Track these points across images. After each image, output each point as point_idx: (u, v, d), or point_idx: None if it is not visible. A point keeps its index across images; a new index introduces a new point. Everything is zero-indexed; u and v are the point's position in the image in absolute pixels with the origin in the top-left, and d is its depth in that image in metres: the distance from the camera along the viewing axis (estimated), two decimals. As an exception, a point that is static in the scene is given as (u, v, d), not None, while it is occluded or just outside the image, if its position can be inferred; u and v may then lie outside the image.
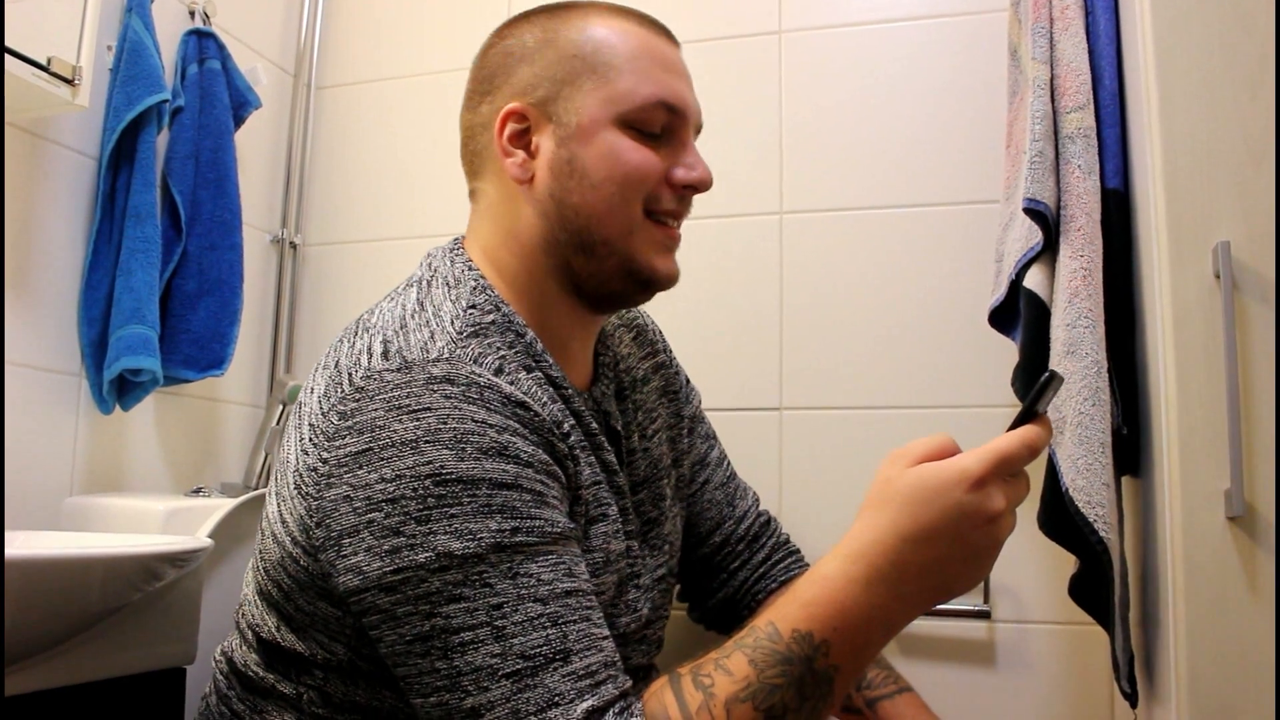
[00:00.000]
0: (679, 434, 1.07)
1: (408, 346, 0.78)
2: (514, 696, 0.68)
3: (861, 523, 0.70)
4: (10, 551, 0.78)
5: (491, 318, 0.83)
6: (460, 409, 0.73)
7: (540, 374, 0.84)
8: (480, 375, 0.76)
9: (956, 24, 1.46)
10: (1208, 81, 0.91)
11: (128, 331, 1.30)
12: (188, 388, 1.50)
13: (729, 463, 1.17)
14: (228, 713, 0.87)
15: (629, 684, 0.73)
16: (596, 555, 0.83)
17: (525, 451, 0.74)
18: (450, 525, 0.70)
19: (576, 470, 0.82)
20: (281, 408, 1.45)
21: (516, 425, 0.75)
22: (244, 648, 0.89)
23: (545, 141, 0.86)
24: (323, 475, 0.75)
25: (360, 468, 0.73)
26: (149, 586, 0.96)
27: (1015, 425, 0.69)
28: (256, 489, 1.43)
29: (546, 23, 0.89)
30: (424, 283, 0.87)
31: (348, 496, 0.73)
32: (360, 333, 0.82)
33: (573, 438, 0.83)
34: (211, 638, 1.03)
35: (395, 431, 0.72)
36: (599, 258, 0.86)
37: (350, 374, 0.77)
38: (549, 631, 0.70)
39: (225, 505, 1.26)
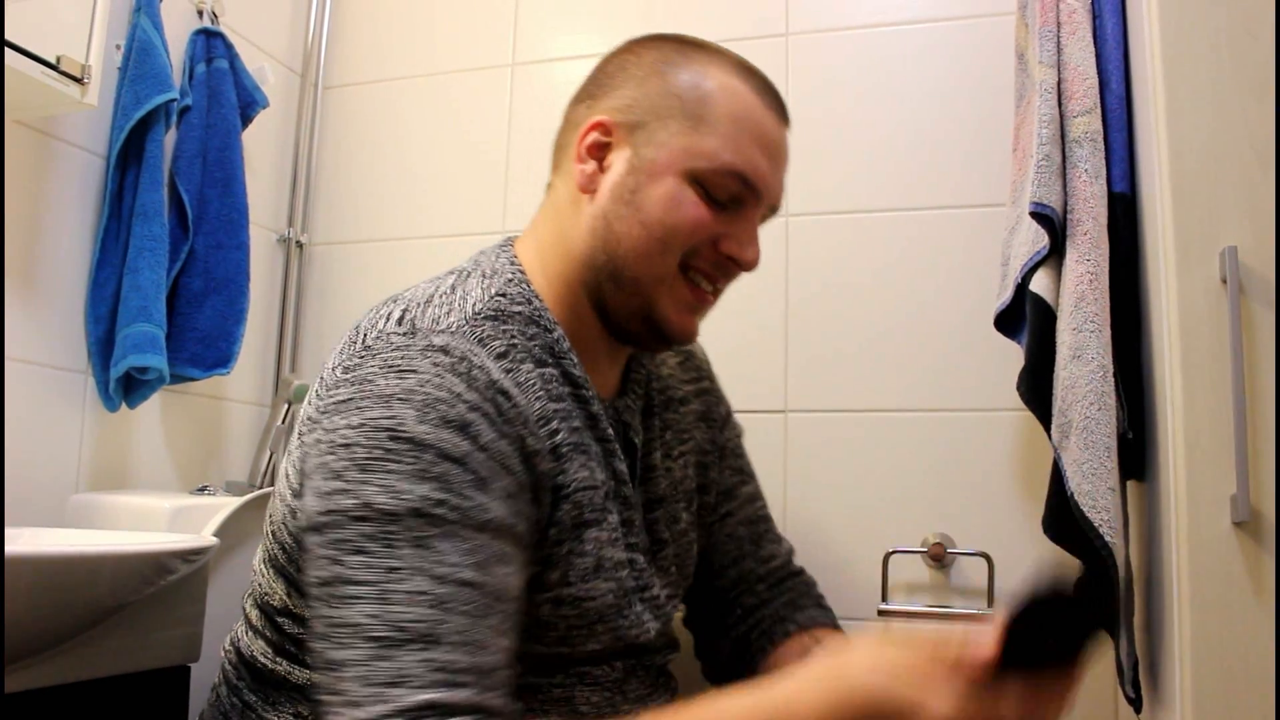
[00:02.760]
0: (711, 460, 1.06)
1: (421, 317, 0.80)
2: (369, 661, 0.67)
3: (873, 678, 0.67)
4: (17, 548, 0.78)
5: (520, 308, 0.85)
6: (443, 378, 0.75)
7: (558, 370, 0.84)
8: (477, 355, 0.77)
9: (963, 27, 1.46)
10: (1215, 86, 0.91)
11: (134, 329, 1.30)
12: (193, 386, 1.51)
13: (764, 506, 1.12)
14: (239, 704, 0.87)
15: (503, 706, 0.69)
16: (587, 559, 0.83)
17: (486, 437, 0.75)
18: (384, 480, 0.71)
19: (559, 468, 0.82)
20: (287, 407, 1.45)
21: (490, 410, 0.76)
22: (250, 635, 0.89)
23: (618, 163, 0.87)
24: (314, 421, 0.77)
25: (338, 414, 0.75)
26: (154, 584, 0.96)
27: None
28: (261, 488, 1.43)
29: (672, 55, 0.88)
30: (464, 272, 0.88)
31: (319, 440, 0.75)
32: (388, 302, 0.84)
33: (562, 435, 0.82)
34: (216, 636, 1.04)
35: (379, 386, 0.74)
36: (625, 292, 0.87)
37: (365, 335, 0.80)
38: (427, 611, 0.68)
39: (230, 504, 1.26)
